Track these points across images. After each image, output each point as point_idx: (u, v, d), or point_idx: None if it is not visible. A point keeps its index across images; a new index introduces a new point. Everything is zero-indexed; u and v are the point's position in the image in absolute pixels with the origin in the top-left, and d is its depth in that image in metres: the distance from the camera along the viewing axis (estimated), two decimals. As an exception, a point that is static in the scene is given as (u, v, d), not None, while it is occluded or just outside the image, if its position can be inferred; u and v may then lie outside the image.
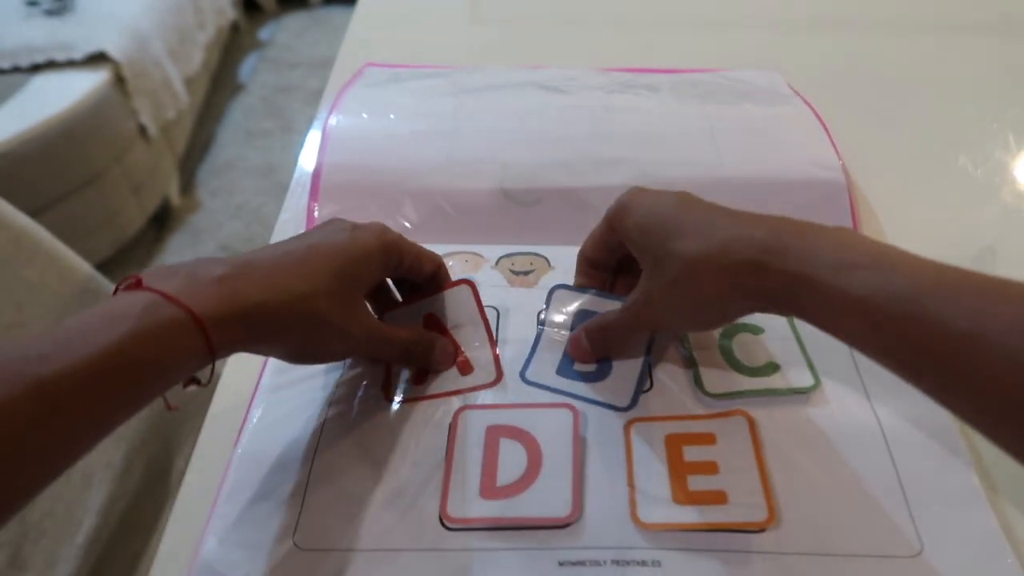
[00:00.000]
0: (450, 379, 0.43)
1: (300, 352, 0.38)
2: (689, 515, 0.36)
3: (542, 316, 0.46)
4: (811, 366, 0.43)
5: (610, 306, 0.44)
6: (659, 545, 0.35)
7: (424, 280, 0.44)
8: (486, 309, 0.47)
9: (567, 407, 0.41)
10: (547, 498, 0.37)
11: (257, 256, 0.35)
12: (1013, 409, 0.26)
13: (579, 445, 0.39)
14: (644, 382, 0.42)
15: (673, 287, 0.37)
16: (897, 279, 0.30)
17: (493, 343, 0.45)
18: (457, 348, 0.44)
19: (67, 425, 0.27)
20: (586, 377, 0.43)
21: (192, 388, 0.34)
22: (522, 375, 0.43)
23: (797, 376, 0.43)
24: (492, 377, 0.43)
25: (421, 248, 0.43)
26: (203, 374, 0.33)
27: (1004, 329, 0.26)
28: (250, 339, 0.34)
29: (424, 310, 0.45)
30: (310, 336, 0.36)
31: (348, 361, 0.45)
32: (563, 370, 0.44)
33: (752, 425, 0.40)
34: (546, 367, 0.44)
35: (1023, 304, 0.27)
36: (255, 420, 0.42)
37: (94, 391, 0.28)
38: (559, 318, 0.46)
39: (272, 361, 0.46)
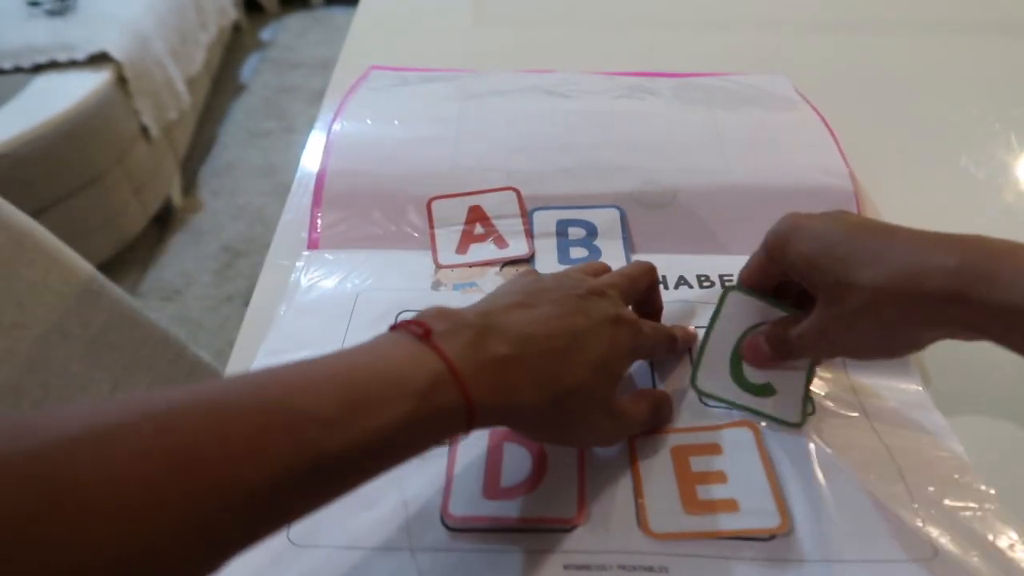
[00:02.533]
0: (488, 251, 0.52)
1: (552, 438, 0.37)
2: (701, 523, 0.36)
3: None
4: (806, 401, 0.41)
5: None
6: (666, 551, 0.35)
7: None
8: None
9: None
10: (553, 500, 0.37)
11: (530, 333, 0.33)
12: None
13: (585, 451, 0.39)
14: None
15: (854, 319, 0.35)
16: None
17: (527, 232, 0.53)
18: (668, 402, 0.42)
19: (333, 493, 0.27)
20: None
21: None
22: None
23: (786, 408, 0.41)
24: (525, 251, 0.52)
25: (660, 333, 0.42)
26: None
27: None
28: (507, 424, 0.34)
29: None
30: (565, 427, 0.35)
31: (343, 345, 0.45)
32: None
33: (758, 435, 0.40)
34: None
35: None
36: None
37: (367, 465, 0.27)
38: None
39: (265, 343, 0.46)
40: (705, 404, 0.42)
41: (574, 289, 0.37)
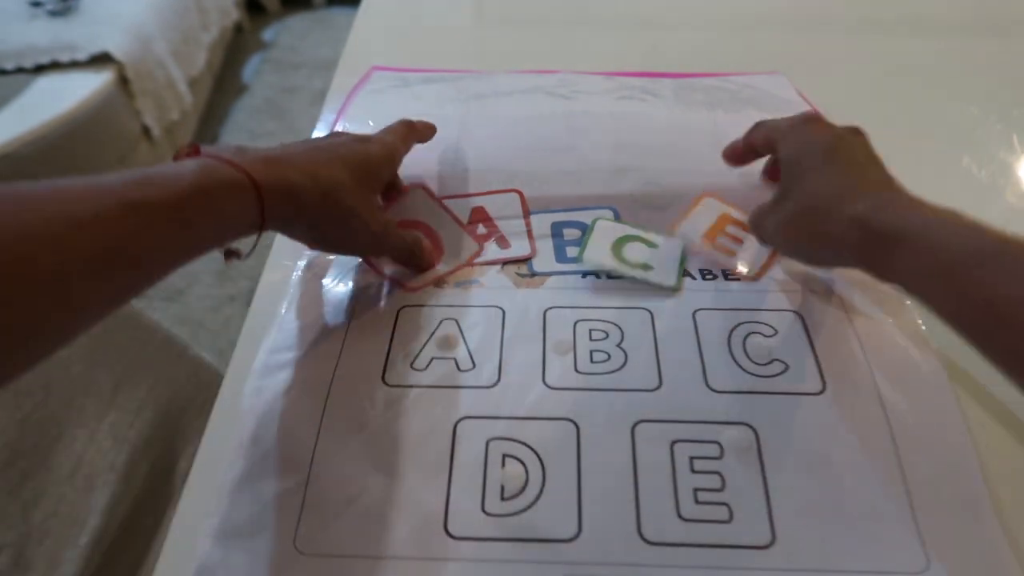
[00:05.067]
0: (490, 251, 0.52)
1: (329, 237, 0.44)
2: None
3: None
4: (820, 370, 0.43)
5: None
6: (664, 562, 0.35)
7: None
8: (491, 309, 0.47)
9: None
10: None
11: (290, 149, 0.41)
12: None
13: (582, 460, 0.39)
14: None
15: (790, 219, 0.41)
16: (986, 237, 0.33)
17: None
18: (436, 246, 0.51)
19: (152, 244, 0.32)
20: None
21: (233, 261, 0.39)
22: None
23: (663, 277, 0.48)
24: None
25: (395, 131, 0.51)
26: (245, 246, 0.39)
27: None
28: (291, 214, 0.39)
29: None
30: (339, 222, 0.42)
31: (344, 347, 0.45)
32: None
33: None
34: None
35: None
36: (248, 404, 0.42)
37: (175, 221, 0.32)
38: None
39: (267, 341, 0.46)
40: (722, 396, 0.42)
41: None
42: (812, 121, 0.44)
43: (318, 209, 0.40)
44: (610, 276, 0.50)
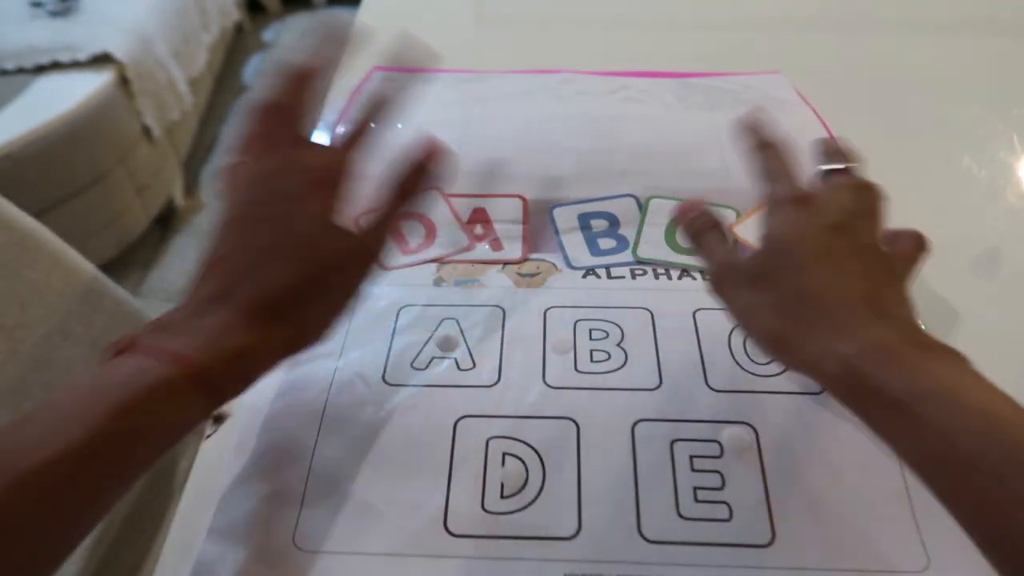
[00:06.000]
0: (482, 252, 0.53)
1: (313, 338, 0.37)
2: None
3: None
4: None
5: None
6: (664, 560, 0.35)
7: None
8: (493, 308, 0.47)
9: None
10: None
11: (234, 276, 0.34)
12: None
13: (582, 459, 0.39)
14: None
15: (766, 311, 0.35)
16: (973, 421, 0.27)
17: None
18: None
19: (62, 510, 0.27)
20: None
21: (212, 429, 0.34)
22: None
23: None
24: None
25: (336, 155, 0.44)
26: (222, 410, 0.33)
27: None
28: (253, 377, 0.33)
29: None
30: (311, 325, 0.36)
31: (345, 345, 0.45)
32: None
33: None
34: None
35: None
36: (248, 404, 0.42)
37: (87, 472, 0.27)
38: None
39: None
40: (722, 395, 0.42)
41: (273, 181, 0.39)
42: (804, 204, 0.37)
43: (275, 351, 0.34)
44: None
